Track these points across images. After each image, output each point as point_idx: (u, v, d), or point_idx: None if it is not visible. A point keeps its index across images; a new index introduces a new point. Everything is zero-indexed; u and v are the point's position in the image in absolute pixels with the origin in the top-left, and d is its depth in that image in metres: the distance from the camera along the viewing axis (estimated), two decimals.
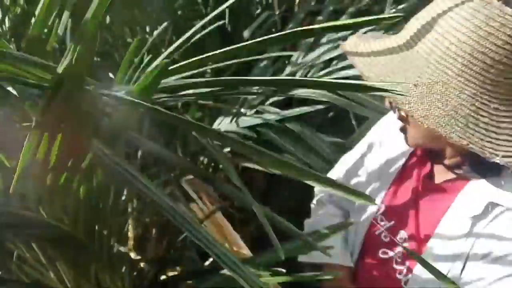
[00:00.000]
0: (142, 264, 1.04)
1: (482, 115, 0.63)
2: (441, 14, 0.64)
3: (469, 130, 0.62)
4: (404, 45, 0.68)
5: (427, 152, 0.81)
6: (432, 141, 0.72)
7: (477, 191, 0.72)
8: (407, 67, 0.65)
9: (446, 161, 0.75)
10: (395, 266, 0.81)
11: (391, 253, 0.82)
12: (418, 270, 0.76)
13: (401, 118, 0.75)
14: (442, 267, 0.68)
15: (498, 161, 0.63)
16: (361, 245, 0.87)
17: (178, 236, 1.15)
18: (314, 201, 1.02)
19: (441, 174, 0.78)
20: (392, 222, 0.83)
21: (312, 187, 0.98)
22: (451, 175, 0.76)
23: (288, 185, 1.43)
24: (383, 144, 0.90)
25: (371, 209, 0.86)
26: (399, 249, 0.81)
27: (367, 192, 0.87)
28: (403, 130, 0.77)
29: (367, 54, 0.69)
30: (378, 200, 0.85)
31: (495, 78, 0.63)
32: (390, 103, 0.72)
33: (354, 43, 0.72)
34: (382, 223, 0.84)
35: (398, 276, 0.80)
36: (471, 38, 0.62)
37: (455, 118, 0.62)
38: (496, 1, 0.62)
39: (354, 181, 0.94)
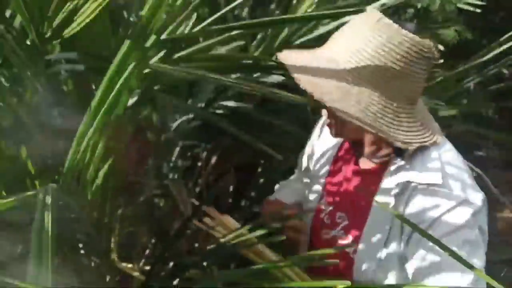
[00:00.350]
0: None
1: (387, 111, 0.82)
2: (356, 32, 0.84)
3: (377, 122, 0.82)
4: (329, 56, 0.85)
5: (352, 144, 0.99)
6: (352, 132, 0.91)
7: (395, 173, 0.89)
8: (332, 74, 0.83)
9: (366, 149, 0.94)
10: (339, 241, 0.97)
11: (333, 232, 0.98)
12: (363, 239, 0.92)
13: (328, 114, 0.92)
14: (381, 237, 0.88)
15: (400, 146, 0.84)
16: (309, 229, 1.02)
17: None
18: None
19: (365, 163, 0.96)
20: (331, 207, 1.00)
21: None
22: (372, 164, 0.94)
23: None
24: (319, 140, 1.09)
25: (316, 197, 1.03)
26: (339, 228, 0.97)
27: (314, 178, 1.06)
28: (329, 125, 0.94)
29: (300, 61, 0.85)
30: (319, 188, 1.03)
31: (396, 83, 0.82)
32: (314, 101, 0.84)
33: (288, 54, 0.88)
34: (323, 208, 1.01)
35: (344, 242, 0.96)
36: (377, 53, 0.81)
37: (367, 114, 0.81)
38: (395, 24, 0.81)
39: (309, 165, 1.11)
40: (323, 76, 0.82)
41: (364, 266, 0.91)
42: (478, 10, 1.69)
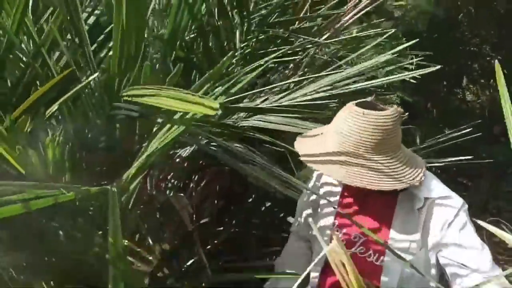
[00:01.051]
0: None
1: (396, 165, 1.11)
2: (352, 127, 1.11)
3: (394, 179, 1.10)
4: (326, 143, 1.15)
5: None
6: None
7: (409, 198, 1.17)
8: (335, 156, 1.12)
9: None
10: (360, 255, 1.18)
11: (351, 250, 1.19)
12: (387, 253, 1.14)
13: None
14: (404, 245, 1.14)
15: (414, 183, 1.11)
16: (325, 257, 1.19)
17: None
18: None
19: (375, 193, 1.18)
20: (345, 230, 1.23)
21: None
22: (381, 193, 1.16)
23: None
24: (323, 181, 1.33)
25: (328, 227, 1.23)
26: (357, 245, 1.20)
27: (323, 212, 1.28)
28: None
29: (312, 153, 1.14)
30: (332, 218, 1.25)
31: (393, 142, 1.11)
32: None
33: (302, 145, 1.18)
34: (337, 232, 1.23)
35: (368, 259, 1.17)
36: (361, 136, 1.08)
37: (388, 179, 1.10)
38: (373, 112, 1.09)
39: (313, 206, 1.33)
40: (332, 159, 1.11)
41: (390, 273, 1.15)
42: (414, 81, 2.21)
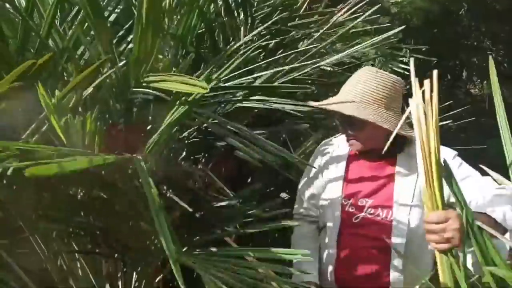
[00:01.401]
0: None
1: (392, 118, 1.32)
2: (363, 78, 1.38)
3: (391, 123, 1.30)
4: (352, 95, 1.37)
5: (361, 152, 1.44)
6: (374, 139, 1.37)
7: (407, 157, 1.38)
8: (361, 106, 1.34)
9: (379, 149, 1.29)
10: (370, 216, 1.38)
11: (361, 214, 1.39)
12: (395, 207, 1.35)
13: (355, 135, 1.40)
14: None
15: (410, 135, 1.31)
16: (339, 224, 1.41)
17: None
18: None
19: (376, 159, 1.43)
20: (352, 199, 1.42)
21: None
22: (382, 158, 1.39)
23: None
24: (325, 161, 1.51)
25: (337, 199, 1.42)
26: (365, 209, 1.39)
27: (330, 188, 1.46)
28: (356, 139, 1.41)
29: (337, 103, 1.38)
30: (340, 190, 1.44)
31: (396, 104, 1.36)
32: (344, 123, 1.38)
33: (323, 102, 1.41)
34: (345, 203, 1.43)
35: (377, 218, 1.37)
36: (378, 88, 1.35)
37: (387, 120, 1.31)
38: (386, 73, 1.38)
39: (318, 186, 1.50)
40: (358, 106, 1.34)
41: (399, 227, 1.33)
42: (407, 73, 2.36)
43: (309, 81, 1.91)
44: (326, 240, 1.45)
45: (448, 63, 4.09)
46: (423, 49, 2.90)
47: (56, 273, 1.79)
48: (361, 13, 2.09)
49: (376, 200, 1.39)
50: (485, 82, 4.16)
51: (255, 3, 1.77)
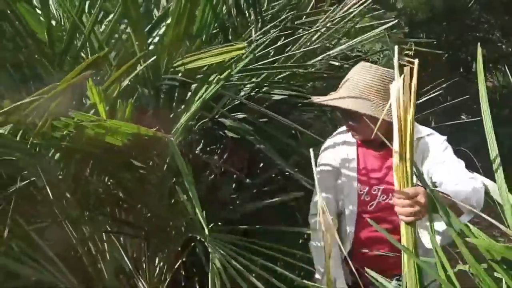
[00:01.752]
0: None
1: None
2: (359, 73, 1.49)
3: (388, 114, 1.33)
4: (349, 90, 1.48)
5: (364, 143, 1.56)
6: (373, 130, 1.43)
7: None
8: (358, 99, 1.44)
9: (380, 140, 1.40)
10: (383, 202, 1.53)
11: (375, 201, 1.54)
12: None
13: (355, 123, 1.49)
14: None
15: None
16: (356, 212, 1.54)
17: None
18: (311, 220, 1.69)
19: (378, 150, 1.56)
20: (366, 188, 1.55)
21: None
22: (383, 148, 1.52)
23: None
24: (337, 152, 1.62)
25: (353, 189, 1.55)
26: (379, 195, 1.53)
27: (346, 178, 1.59)
28: (358, 131, 1.53)
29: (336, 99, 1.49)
30: (355, 180, 1.56)
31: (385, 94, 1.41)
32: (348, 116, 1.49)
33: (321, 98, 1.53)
34: (361, 192, 1.56)
35: (390, 201, 1.42)
36: (373, 81, 1.44)
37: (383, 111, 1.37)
38: (376, 66, 1.47)
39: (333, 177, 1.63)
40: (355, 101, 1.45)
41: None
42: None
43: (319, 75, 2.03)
44: (346, 227, 1.59)
45: (460, 56, 4.15)
46: (434, 43, 2.98)
47: (86, 256, 1.95)
48: (367, 9, 2.20)
49: (386, 187, 1.53)
50: (495, 74, 4.21)
51: (265, 4, 1.89)
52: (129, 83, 1.11)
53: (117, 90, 0.99)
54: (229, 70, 1.11)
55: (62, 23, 1.28)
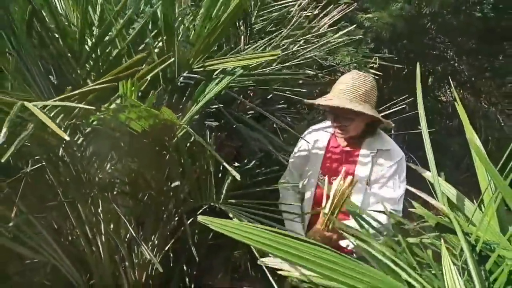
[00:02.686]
0: None
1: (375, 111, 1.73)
2: (355, 79, 1.76)
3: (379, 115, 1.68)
4: (348, 93, 1.75)
5: (339, 138, 1.84)
6: (356, 129, 1.76)
7: (369, 145, 1.79)
8: (352, 102, 1.72)
9: (354, 137, 1.80)
10: None
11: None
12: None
13: (342, 124, 1.78)
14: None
15: (386, 126, 1.76)
16: (313, 197, 1.82)
17: None
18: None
19: (348, 145, 1.84)
20: (326, 176, 1.83)
21: None
22: (351, 144, 1.80)
23: None
24: (310, 145, 1.91)
25: (315, 177, 1.84)
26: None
27: (312, 164, 1.86)
28: (342, 128, 1.80)
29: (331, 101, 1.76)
30: (318, 167, 1.80)
31: (374, 99, 1.74)
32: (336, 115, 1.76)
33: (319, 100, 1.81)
34: (321, 178, 1.82)
35: None
36: (362, 86, 1.71)
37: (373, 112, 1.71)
38: (363, 73, 1.79)
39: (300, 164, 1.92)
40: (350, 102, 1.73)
41: (356, 196, 1.76)
42: (377, 77, 2.85)
43: (299, 81, 2.33)
44: (305, 208, 1.87)
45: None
46: (395, 58, 3.36)
47: (82, 237, 2.13)
48: (339, 26, 2.53)
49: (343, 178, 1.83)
50: (448, 89, 4.68)
51: (253, 18, 2.18)
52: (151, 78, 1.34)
53: (145, 84, 1.24)
54: (236, 72, 1.38)
55: (94, 21, 1.50)
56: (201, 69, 1.41)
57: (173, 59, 1.40)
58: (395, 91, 2.79)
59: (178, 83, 1.48)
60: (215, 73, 1.42)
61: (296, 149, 1.97)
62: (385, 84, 4.30)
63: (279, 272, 1.16)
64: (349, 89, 1.73)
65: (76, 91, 1.04)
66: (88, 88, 1.06)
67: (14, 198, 1.99)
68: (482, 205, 1.27)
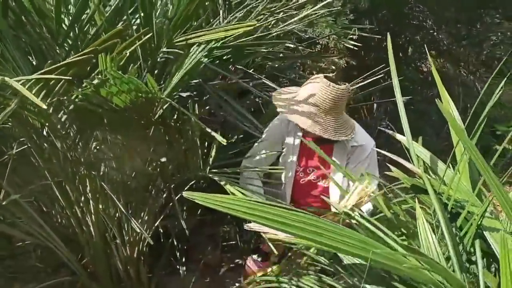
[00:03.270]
0: None
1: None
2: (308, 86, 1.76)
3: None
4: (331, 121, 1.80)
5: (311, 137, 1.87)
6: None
7: (340, 146, 1.89)
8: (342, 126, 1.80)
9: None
10: (313, 181, 1.94)
11: (307, 178, 1.94)
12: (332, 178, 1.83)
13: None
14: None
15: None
16: (292, 181, 1.90)
17: None
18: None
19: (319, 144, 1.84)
20: (302, 168, 1.91)
21: None
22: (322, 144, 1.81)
23: None
24: (288, 134, 1.95)
25: (293, 164, 1.90)
26: (311, 175, 1.92)
27: (288, 153, 1.94)
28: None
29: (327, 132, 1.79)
30: (295, 158, 1.91)
31: (337, 112, 1.80)
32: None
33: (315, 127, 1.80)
34: (299, 168, 1.95)
35: (319, 183, 1.88)
36: (329, 101, 1.73)
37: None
38: (340, 86, 1.74)
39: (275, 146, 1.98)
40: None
41: (334, 190, 1.85)
42: (356, 49, 2.88)
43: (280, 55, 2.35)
44: (285, 190, 1.96)
45: (398, 41, 4.63)
46: (375, 29, 3.39)
47: (72, 217, 2.17)
48: None
49: (317, 172, 1.92)
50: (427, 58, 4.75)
51: None
52: (133, 53, 1.36)
53: (124, 58, 1.25)
54: (212, 44, 1.40)
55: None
56: (181, 43, 1.43)
57: (151, 33, 1.40)
58: (376, 62, 2.82)
59: (158, 59, 1.50)
60: (193, 47, 1.44)
61: (269, 131, 1.99)
62: (367, 55, 4.34)
63: (265, 235, 1.22)
64: (338, 113, 1.75)
65: (55, 66, 1.05)
66: (67, 61, 1.08)
67: (1, 181, 2.02)
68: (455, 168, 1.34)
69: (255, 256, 2.09)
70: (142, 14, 1.42)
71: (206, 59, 1.85)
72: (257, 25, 1.40)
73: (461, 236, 1.19)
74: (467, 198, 1.24)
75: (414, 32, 4.45)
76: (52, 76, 1.04)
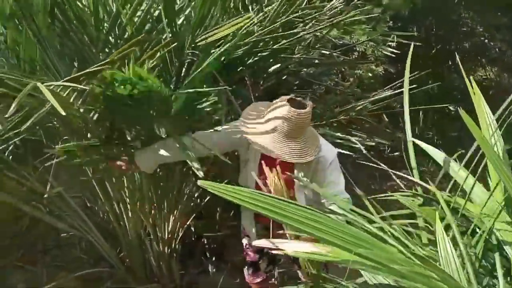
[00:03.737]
0: None
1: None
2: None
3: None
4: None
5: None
6: None
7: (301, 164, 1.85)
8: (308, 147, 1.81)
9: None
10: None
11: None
12: (296, 184, 1.86)
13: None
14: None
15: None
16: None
17: None
18: None
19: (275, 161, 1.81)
20: (262, 180, 1.76)
21: None
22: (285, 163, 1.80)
23: None
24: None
25: (253, 179, 1.86)
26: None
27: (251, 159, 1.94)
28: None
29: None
30: (256, 169, 1.88)
31: (299, 134, 1.77)
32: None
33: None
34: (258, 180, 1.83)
35: None
36: (293, 127, 1.73)
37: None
38: (301, 111, 1.72)
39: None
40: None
41: (299, 199, 1.87)
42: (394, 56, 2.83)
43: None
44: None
45: (447, 49, 4.48)
46: (414, 35, 3.32)
47: (111, 213, 2.31)
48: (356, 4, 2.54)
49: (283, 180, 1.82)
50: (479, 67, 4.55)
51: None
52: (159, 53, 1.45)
53: (153, 63, 1.35)
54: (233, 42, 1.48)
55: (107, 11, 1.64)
56: (203, 42, 1.52)
57: (176, 42, 1.50)
58: (415, 70, 2.76)
59: (185, 61, 1.60)
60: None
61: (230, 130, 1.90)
62: (414, 62, 4.23)
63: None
64: (300, 134, 1.76)
65: (78, 74, 1.16)
66: (89, 70, 1.18)
67: (47, 176, 2.19)
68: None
69: (245, 270, 2.17)
70: (166, 21, 1.52)
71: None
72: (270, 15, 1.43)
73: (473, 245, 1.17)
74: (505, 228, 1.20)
75: (463, 39, 4.29)
76: (71, 84, 1.15)
